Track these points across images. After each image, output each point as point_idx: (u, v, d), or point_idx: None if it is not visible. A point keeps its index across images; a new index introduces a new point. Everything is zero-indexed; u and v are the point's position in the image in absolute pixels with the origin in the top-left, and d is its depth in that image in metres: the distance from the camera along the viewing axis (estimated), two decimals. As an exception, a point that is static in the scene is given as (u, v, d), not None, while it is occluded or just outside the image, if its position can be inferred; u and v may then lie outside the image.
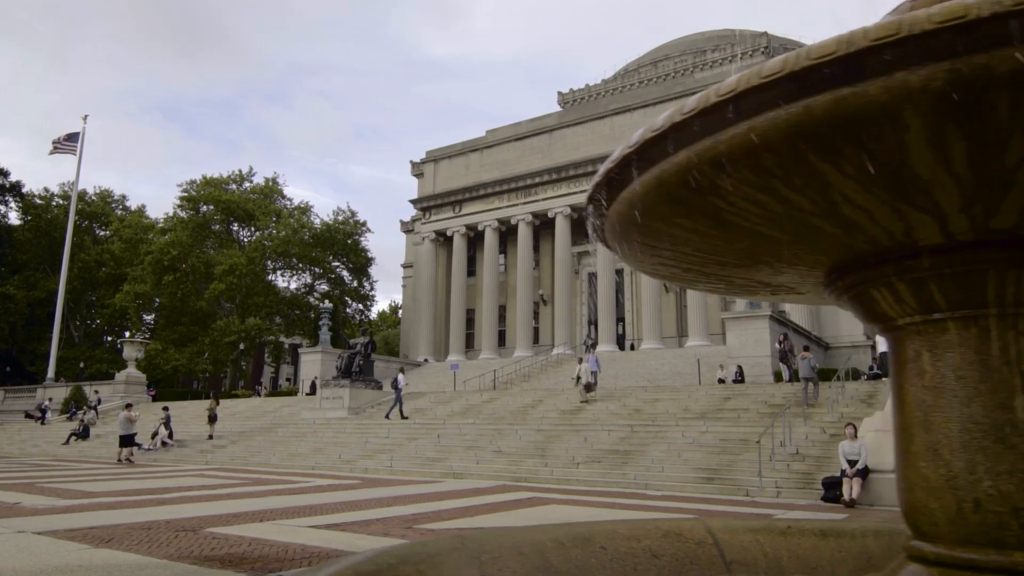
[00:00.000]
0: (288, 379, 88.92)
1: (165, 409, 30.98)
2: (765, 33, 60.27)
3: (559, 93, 68.31)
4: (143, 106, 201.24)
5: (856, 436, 13.78)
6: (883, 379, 27.88)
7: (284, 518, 10.69)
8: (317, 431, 27.28)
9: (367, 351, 34.57)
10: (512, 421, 23.96)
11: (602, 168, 3.03)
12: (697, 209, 2.62)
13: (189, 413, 38.40)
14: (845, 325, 42.92)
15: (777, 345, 28.34)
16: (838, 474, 13.51)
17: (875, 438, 15.34)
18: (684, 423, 20.11)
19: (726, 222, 2.64)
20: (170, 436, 28.83)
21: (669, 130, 2.40)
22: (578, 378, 27.56)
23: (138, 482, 17.81)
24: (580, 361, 28.68)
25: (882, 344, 25.32)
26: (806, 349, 23.08)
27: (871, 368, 33.23)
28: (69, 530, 9.58)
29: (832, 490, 13.26)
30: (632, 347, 49.70)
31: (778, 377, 31.76)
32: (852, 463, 13.25)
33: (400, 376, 28.17)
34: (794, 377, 27.18)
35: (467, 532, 4.29)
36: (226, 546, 8.24)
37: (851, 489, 12.85)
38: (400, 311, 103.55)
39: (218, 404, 30.24)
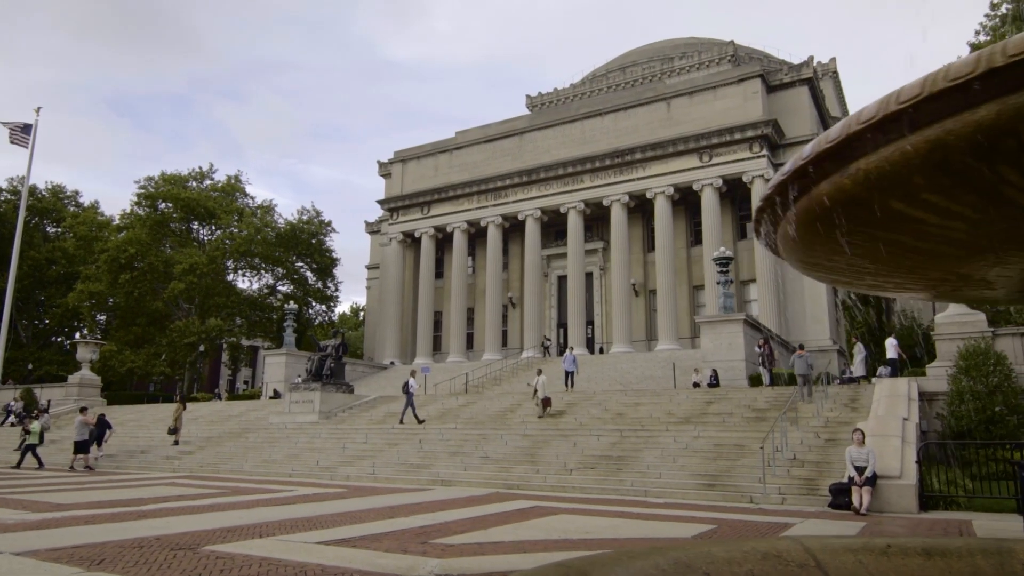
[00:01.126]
0: (246, 382, 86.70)
1: (83, 410, 25.75)
2: (732, 42, 60.95)
3: (527, 96, 68.07)
4: (91, 100, 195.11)
5: (863, 442, 13.63)
6: (859, 382, 28.20)
7: (284, 532, 10.02)
8: (290, 436, 26.33)
9: (338, 353, 33.66)
10: (495, 426, 23.44)
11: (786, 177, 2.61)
12: (967, 181, 2.22)
13: (149, 417, 36.96)
14: (811, 330, 43.48)
15: (757, 349, 28.42)
16: (845, 480, 13.35)
17: (872, 443, 15.28)
18: (675, 428, 19.87)
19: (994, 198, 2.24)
20: (98, 445, 25.19)
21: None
22: (535, 391, 25.74)
23: (107, 492, 16.80)
24: (539, 373, 27.02)
25: (891, 350, 25.51)
26: (801, 348, 23.17)
27: (843, 373, 33.69)
28: (52, 549, 8.78)
29: (840, 497, 13.09)
30: (601, 350, 49.56)
31: (754, 381, 31.90)
32: (859, 470, 13.09)
33: (411, 380, 27.02)
34: (775, 381, 27.30)
35: (569, 562, 3.80)
36: (235, 568, 7.57)
37: (861, 498, 12.68)
38: (362, 313, 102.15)
39: (185, 408, 28.93)
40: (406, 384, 26.83)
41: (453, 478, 18.36)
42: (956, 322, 22.79)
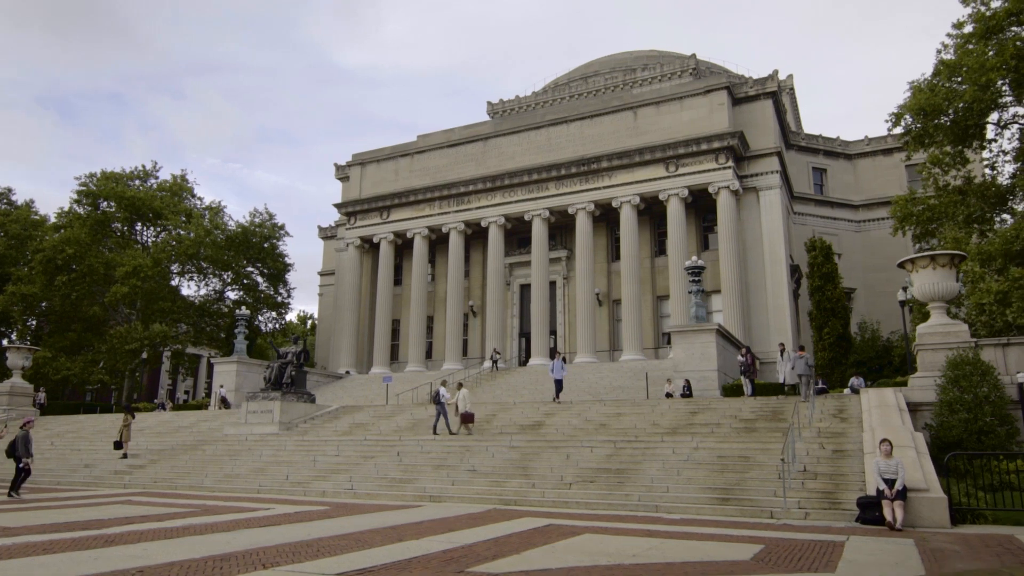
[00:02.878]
0: (187, 392, 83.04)
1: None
2: (694, 55, 61.43)
3: (488, 103, 67.23)
4: (19, 95, 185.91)
5: (891, 453, 13.07)
6: (828, 393, 28.03)
7: (290, 561, 8.76)
8: (252, 449, 24.62)
9: (299, 360, 31.98)
10: (482, 438, 22.29)
11: None
12: None
13: (89, 428, 34.51)
14: (775, 341, 43.48)
15: (740, 358, 28.00)
16: (873, 494, 12.74)
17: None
18: (670, 439, 19.11)
19: None
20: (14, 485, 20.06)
21: None
22: (456, 407, 24.43)
23: (58, 512, 15.05)
24: (459, 386, 26.03)
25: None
26: (802, 348, 22.77)
27: (816, 383, 33.61)
28: (19, 585, 7.35)
29: (870, 511, 12.47)
30: (564, 360, 48.81)
31: (727, 391, 31.55)
32: (888, 482, 12.50)
33: (442, 389, 25.51)
34: (756, 391, 26.92)
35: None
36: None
37: (894, 512, 12.07)
38: (310, 321, 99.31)
39: (133, 418, 26.83)
40: (437, 394, 25.21)
41: (442, 493, 17.17)
42: (939, 332, 22.74)
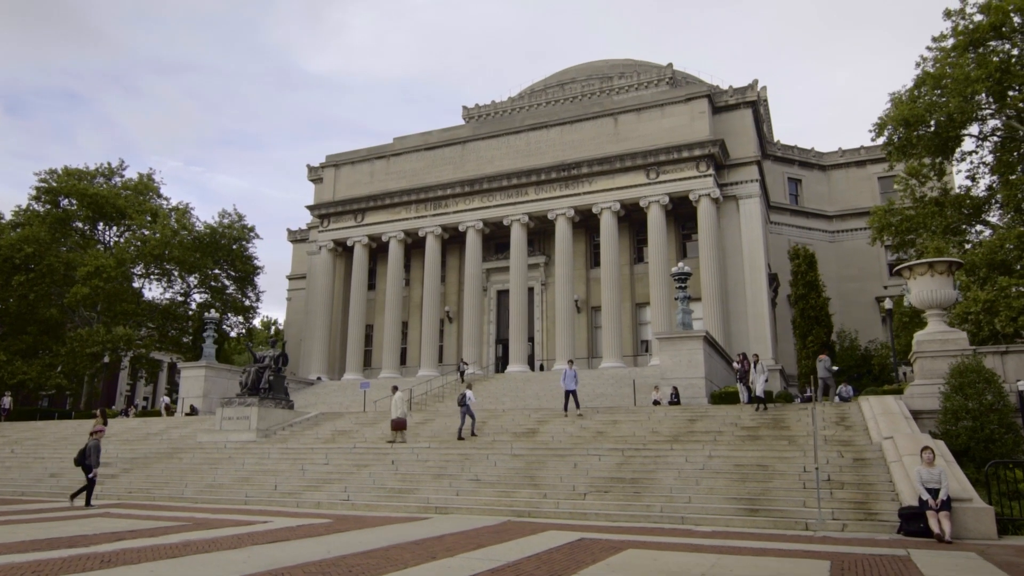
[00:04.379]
0: (146, 398, 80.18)
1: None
2: (670, 65, 61.63)
3: (464, 108, 66.48)
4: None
5: (933, 462, 12.65)
6: (822, 401, 27.82)
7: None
8: (233, 457, 23.36)
9: (277, 365, 30.72)
10: (473, 445, 21.42)
11: None
12: None
13: (49, 436, 32.70)
14: (754, 349, 43.42)
15: (735, 365, 27.61)
16: (916, 504, 12.29)
17: (911, 463, 14.41)
18: (679, 447, 18.53)
19: None
20: None
21: None
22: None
23: (33, 527, 13.79)
24: (394, 390, 25.16)
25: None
26: (823, 352, 22.28)
27: (804, 392, 33.54)
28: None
29: (914, 522, 12.02)
30: (542, 367, 48.20)
31: (717, 399, 31.18)
32: (931, 491, 12.06)
33: (469, 392, 24.63)
34: (752, 399, 26.52)
35: None
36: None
37: (940, 524, 11.62)
38: (274, 327, 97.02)
39: (106, 424, 25.28)
40: (463, 396, 24.26)
41: (447, 504, 16.29)
42: (938, 340, 22.61)
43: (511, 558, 9.45)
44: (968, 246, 35.32)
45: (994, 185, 35.41)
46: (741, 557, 9.61)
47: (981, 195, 35.94)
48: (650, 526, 13.50)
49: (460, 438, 23.03)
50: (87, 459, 18.24)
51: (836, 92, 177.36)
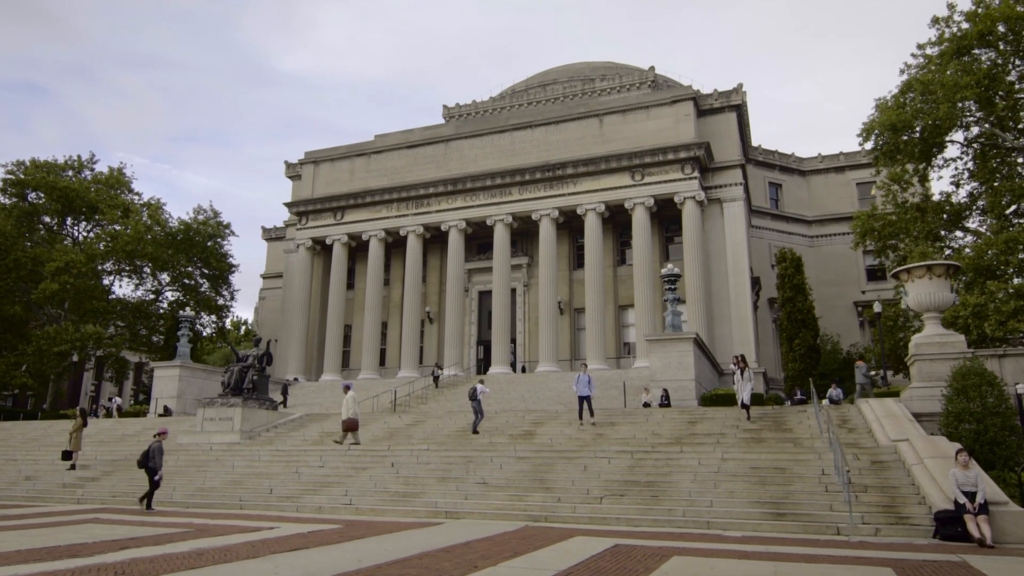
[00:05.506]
0: (111, 398, 77.89)
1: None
2: (652, 68, 61.69)
3: (444, 107, 65.78)
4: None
5: (968, 464, 12.46)
6: (807, 403, 27.83)
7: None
8: (221, 459, 22.46)
9: (261, 364, 29.76)
10: (474, 447, 20.85)
11: None
12: None
13: (17, 436, 31.49)
14: (736, 351, 43.51)
15: (732, 366, 27.40)
16: (951, 507, 12.07)
17: (934, 466, 14.26)
18: (690, 449, 18.20)
19: None
20: None
21: None
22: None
23: (24, 535, 12.90)
24: (346, 390, 24.71)
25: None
26: (861, 358, 22.13)
27: (794, 394, 33.58)
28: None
29: (950, 526, 11.80)
30: (524, 369, 47.76)
31: (707, 401, 31.08)
32: (967, 495, 11.86)
33: (480, 386, 24.58)
34: (754, 400, 26.33)
35: None
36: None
37: (979, 528, 11.41)
38: (244, 326, 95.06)
39: (85, 425, 24.10)
40: (473, 390, 24.20)
41: (456, 508, 15.71)
42: (936, 343, 22.67)
43: (559, 567, 8.95)
44: (949, 252, 35.76)
45: (975, 192, 35.93)
46: (798, 565, 9.23)
47: (962, 201, 36.40)
48: (675, 531, 13.11)
49: (475, 431, 23.14)
50: (150, 461, 17.77)
51: (804, 99, 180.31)
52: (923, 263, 23.83)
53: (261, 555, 10.13)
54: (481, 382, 25.22)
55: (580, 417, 23.60)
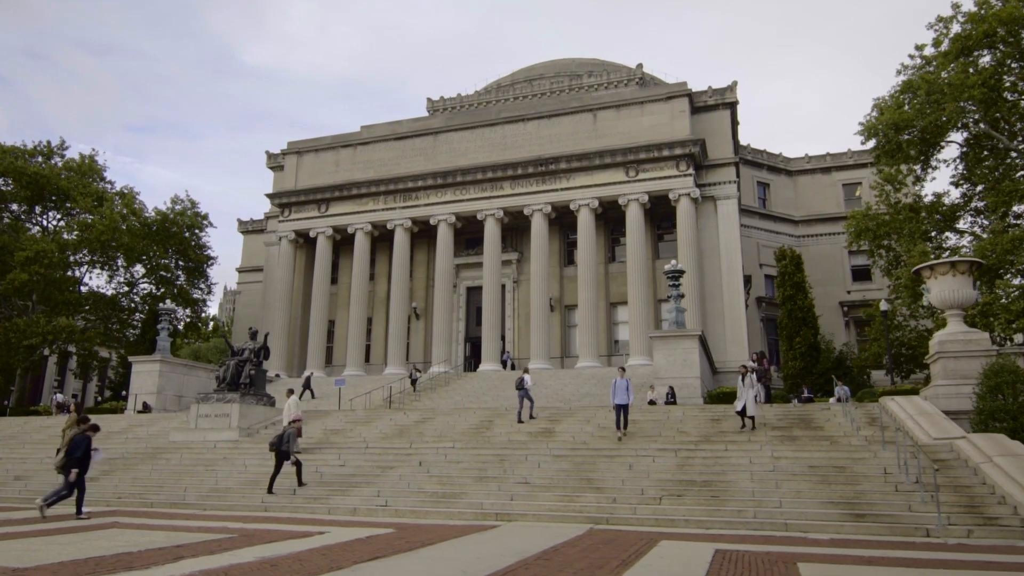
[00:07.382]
0: (75, 395, 74.93)
1: None
2: (640, 65, 61.42)
3: (428, 100, 64.55)
4: None
5: (1063, 463, 12.10)
6: (815, 402, 27.67)
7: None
8: (229, 458, 21.22)
9: (258, 358, 28.47)
10: (503, 444, 19.98)
11: None
12: None
13: (-7, 435, 29.39)
14: (731, 351, 43.32)
15: (751, 363, 27.03)
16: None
17: (1007, 464, 13.89)
18: (734, 448, 17.63)
19: None
20: None
21: None
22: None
23: (48, 542, 11.66)
24: (289, 393, 24.54)
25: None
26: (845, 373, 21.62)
27: (801, 392, 33.38)
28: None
29: (1049, 528, 11.39)
30: (513, 366, 46.91)
31: (713, 399, 30.65)
32: (1065, 495, 11.50)
33: (527, 376, 24.83)
34: (769, 399, 26.03)
35: None
36: None
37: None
38: (212, 322, 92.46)
39: (81, 421, 22.46)
40: (520, 380, 24.50)
41: (506, 510, 14.85)
42: (961, 340, 22.51)
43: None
44: (947, 252, 36.00)
45: (968, 193, 36.24)
46: (923, 571, 8.63)
47: (957, 201, 36.68)
48: (756, 533, 12.48)
49: (520, 421, 23.66)
50: (284, 444, 17.93)
51: (778, 100, 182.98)
52: (946, 260, 23.69)
53: (342, 567, 9.14)
54: (526, 371, 25.20)
55: (617, 427, 20.44)
